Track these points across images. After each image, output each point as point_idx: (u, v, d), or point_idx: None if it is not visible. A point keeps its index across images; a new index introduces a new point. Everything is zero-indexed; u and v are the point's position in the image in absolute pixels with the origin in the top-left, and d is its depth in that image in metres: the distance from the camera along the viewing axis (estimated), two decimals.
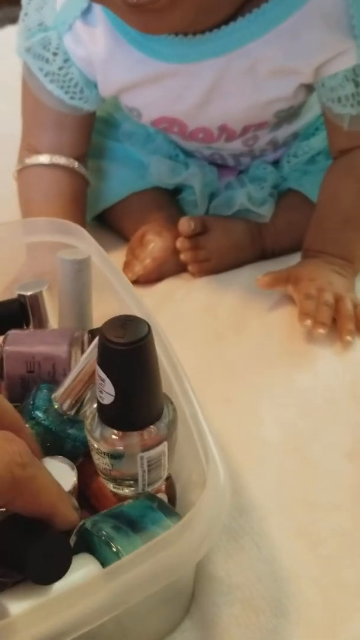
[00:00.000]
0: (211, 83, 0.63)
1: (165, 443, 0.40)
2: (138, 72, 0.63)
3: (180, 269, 0.74)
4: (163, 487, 0.44)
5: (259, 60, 0.62)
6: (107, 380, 0.37)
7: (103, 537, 0.37)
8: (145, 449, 0.39)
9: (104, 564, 0.37)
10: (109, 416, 0.39)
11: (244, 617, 0.44)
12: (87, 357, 0.42)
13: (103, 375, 0.37)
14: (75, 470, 0.42)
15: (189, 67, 0.62)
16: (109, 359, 0.37)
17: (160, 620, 0.44)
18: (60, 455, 0.43)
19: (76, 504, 0.41)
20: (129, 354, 0.37)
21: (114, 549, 0.37)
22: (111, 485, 0.42)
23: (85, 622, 0.34)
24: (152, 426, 0.39)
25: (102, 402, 0.38)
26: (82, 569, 0.36)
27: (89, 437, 0.40)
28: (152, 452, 0.39)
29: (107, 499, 0.44)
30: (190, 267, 0.73)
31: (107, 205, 0.78)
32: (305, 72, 0.63)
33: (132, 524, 0.38)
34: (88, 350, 0.43)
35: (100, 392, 0.38)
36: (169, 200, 0.79)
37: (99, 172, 0.78)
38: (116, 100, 0.74)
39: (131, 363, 0.37)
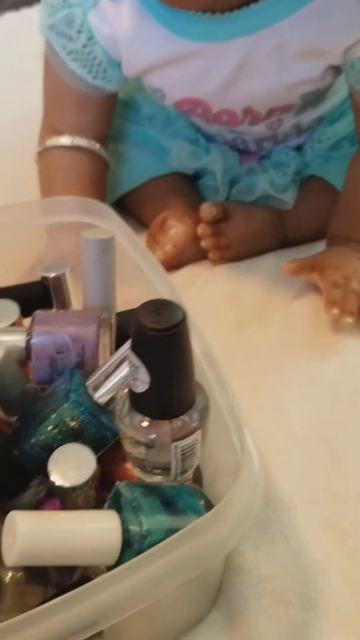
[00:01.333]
0: (238, 63, 0.61)
1: (199, 432, 0.39)
2: (164, 51, 0.61)
3: (200, 256, 0.72)
4: (191, 476, 0.44)
5: (288, 40, 0.60)
6: (142, 367, 0.36)
7: (133, 503, 0.37)
8: (179, 437, 0.38)
9: (125, 528, 0.36)
10: (142, 404, 0.38)
11: (272, 609, 0.43)
12: (124, 349, 0.41)
13: (137, 362, 0.36)
14: (95, 457, 0.42)
15: (216, 46, 0.60)
16: (144, 345, 0.36)
17: (187, 612, 0.43)
18: (89, 441, 0.42)
19: (93, 492, 0.41)
20: (165, 340, 0.35)
21: (139, 519, 0.36)
22: (140, 472, 0.41)
23: (117, 610, 0.33)
24: (185, 415, 0.38)
25: (135, 390, 0.37)
26: (103, 523, 0.36)
27: (120, 425, 0.39)
28: (186, 441, 0.38)
29: None
30: (210, 254, 0.72)
31: (126, 190, 0.76)
32: (334, 53, 0.61)
33: (166, 502, 0.38)
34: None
35: (134, 379, 0.37)
36: (189, 186, 0.77)
37: (118, 156, 0.76)
38: (137, 82, 0.72)
39: (167, 349, 0.36)
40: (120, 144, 0.77)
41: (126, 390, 0.39)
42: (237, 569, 0.44)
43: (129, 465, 0.44)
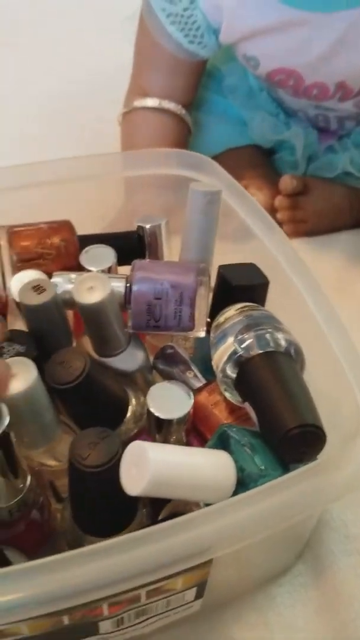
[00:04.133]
0: (340, 35, 0.61)
1: None
2: (268, 18, 0.61)
3: None
4: None
5: None
6: None
7: (245, 445, 0.37)
8: None
9: (239, 468, 0.37)
10: None
11: None
12: None
13: None
14: (192, 398, 0.42)
15: (321, 16, 0.60)
16: None
17: (274, 561, 0.44)
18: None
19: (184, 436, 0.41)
20: None
21: (254, 460, 0.37)
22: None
23: (233, 538, 0.33)
24: None
25: None
26: (220, 460, 0.37)
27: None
28: None
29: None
30: (285, 227, 0.72)
31: None
32: None
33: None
34: None
35: None
36: (265, 159, 0.77)
37: (197, 124, 0.76)
38: (224, 52, 0.72)
39: None
40: (200, 113, 0.77)
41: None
42: (325, 525, 0.45)
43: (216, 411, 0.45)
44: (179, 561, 0.30)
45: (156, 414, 0.40)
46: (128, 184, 0.55)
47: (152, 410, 0.41)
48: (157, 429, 0.42)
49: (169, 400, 0.42)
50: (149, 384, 0.51)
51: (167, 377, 0.50)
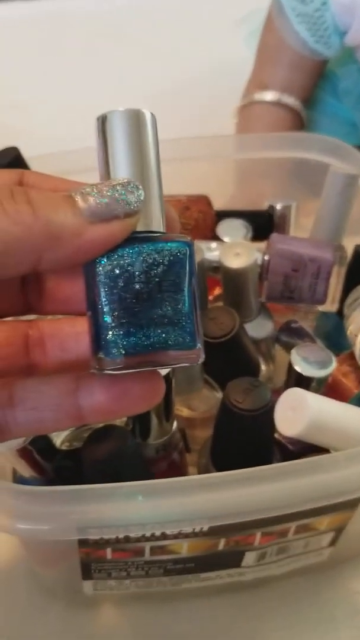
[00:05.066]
0: None
1: None
2: None
3: None
4: None
5: None
6: None
7: None
8: None
9: None
10: None
11: None
12: None
13: None
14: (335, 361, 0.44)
15: None
16: None
17: None
18: None
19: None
20: None
21: None
22: None
23: None
24: None
25: None
26: None
27: None
28: None
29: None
30: None
31: None
32: None
33: None
34: None
35: None
36: None
37: (309, 122, 0.80)
38: (342, 55, 0.75)
39: None
40: (312, 112, 0.80)
41: None
42: None
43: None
44: (344, 493, 0.33)
45: (299, 370, 0.43)
46: (254, 166, 0.58)
47: (295, 367, 0.43)
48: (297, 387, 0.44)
49: (312, 360, 0.44)
50: (272, 356, 0.54)
51: (290, 350, 0.52)
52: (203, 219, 0.55)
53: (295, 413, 0.37)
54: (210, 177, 0.59)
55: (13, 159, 0.43)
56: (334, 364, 0.44)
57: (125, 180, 0.23)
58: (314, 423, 0.36)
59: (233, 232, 0.54)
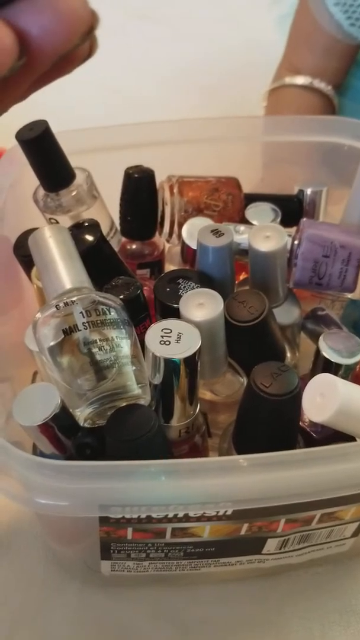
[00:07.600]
0: None
1: None
2: None
3: None
4: None
5: None
6: None
7: None
8: None
9: None
10: None
11: None
12: None
13: None
14: None
15: None
16: None
17: None
18: None
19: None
20: None
21: None
22: None
23: None
24: None
25: None
26: None
27: None
28: None
29: None
30: None
31: None
32: None
33: None
34: None
35: None
36: None
37: (340, 108, 0.78)
38: None
39: None
40: (342, 98, 0.79)
41: None
42: None
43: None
44: None
45: (327, 357, 0.42)
46: (284, 150, 0.57)
47: (323, 353, 0.42)
48: (330, 371, 0.43)
49: (340, 347, 0.43)
50: (297, 343, 0.53)
51: (316, 338, 0.52)
52: (232, 201, 0.54)
53: (325, 399, 0.36)
54: (240, 159, 0.58)
55: (43, 131, 0.42)
56: None
57: None
58: (343, 409, 0.35)
59: (262, 216, 0.53)
